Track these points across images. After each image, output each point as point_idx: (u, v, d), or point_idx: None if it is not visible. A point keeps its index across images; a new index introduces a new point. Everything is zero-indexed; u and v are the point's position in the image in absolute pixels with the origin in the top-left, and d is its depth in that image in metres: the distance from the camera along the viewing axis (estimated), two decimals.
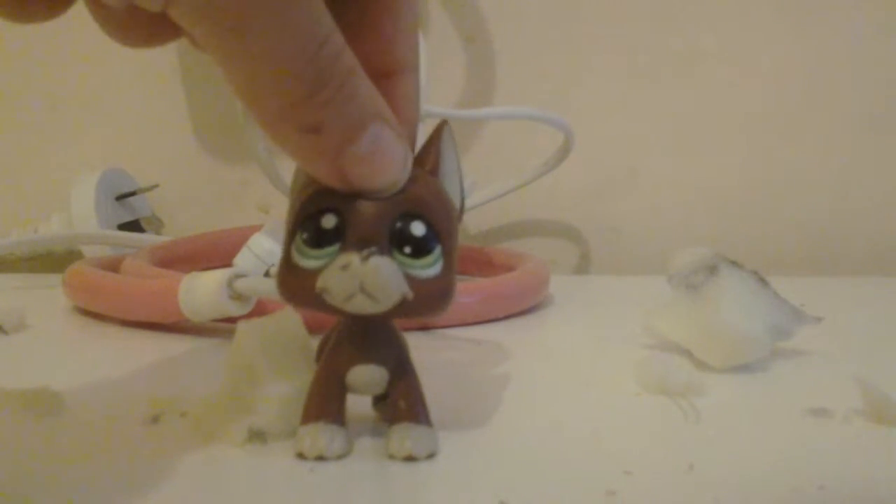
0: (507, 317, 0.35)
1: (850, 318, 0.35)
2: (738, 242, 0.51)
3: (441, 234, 0.18)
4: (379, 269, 0.17)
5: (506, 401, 0.23)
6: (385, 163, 0.17)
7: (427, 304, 0.18)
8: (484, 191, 0.45)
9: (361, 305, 0.17)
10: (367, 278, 0.17)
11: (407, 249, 0.18)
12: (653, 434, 0.21)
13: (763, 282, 0.27)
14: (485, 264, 0.44)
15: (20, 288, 0.44)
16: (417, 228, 0.18)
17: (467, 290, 0.35)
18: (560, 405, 0.23)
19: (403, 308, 0.18)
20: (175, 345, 0.30)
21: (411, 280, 0.18)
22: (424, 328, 0.32)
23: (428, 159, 0.19)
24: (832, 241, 0.52)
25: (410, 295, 0.17)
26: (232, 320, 0.29)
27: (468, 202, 0.43)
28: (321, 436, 0.18)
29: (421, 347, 0.30)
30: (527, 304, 0.37)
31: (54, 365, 0.28)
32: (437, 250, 0.18)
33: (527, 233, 0.54)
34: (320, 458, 0.18)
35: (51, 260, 0.49)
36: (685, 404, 0.22)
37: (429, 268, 0.18)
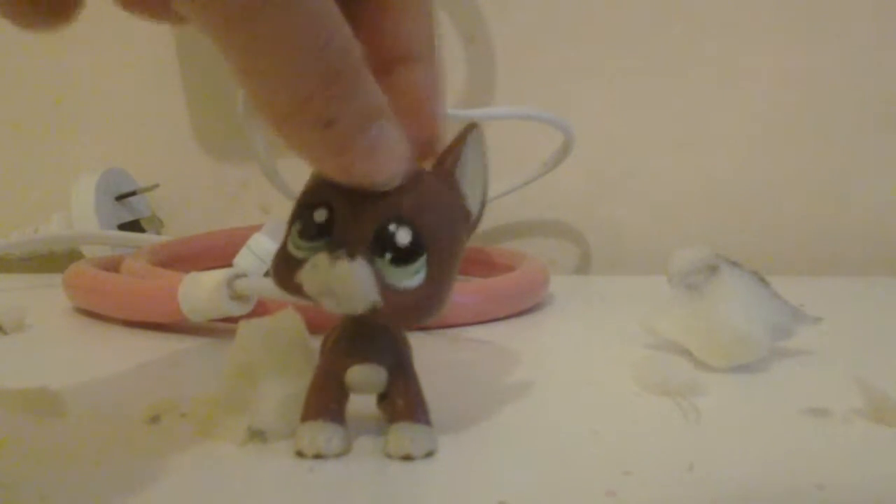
0: (507, 317, 0.35)
1: (850, 318, 0.35)
2: (738, 242, 0.51)
3: (431, 243, 0.18)
4: (344, 273, 0.17)
5: (506, 401, 0.23)
6: (388, 159, 0.17)
7: (399, 314, 0.18)
8: None
9: (330, 305, 0.17)
10: (332, 281, 0.17)
11: (388, 255, 0.17)
12: (653, 434, 0.21)
13: (763, 282, 0.27)
14: (485, 264, 0.44)
15: (20, 288, 0.44)
16: (403, 236, 0.17)
17: (467, 290, 0.35)
18: (560, 405, 0.23)
19: (376, 315, 0.17)
20: (175, 345, 0.30)
21: (387, 288, 0.17)
22: (424, 328, 0.32)
23: (446, 160, 0.19)
24: (832, 241, 0.52)
25: (380, 304, 0.17)
26: (232, 320, 0.29)
27: None
28: (319, 434, 0.18)
29: (421, 347, 0.30)
30: (527, 304, 0.37)
31: (54, 365, 0.28)
32: (422, 260, 0.18)
33: (527, 233, 0.54)
34: (318, 456, 0.18)
35: (51, 260, 0.49)
36: (685, 404, 0.22)
37: (409, 278, 0.18)
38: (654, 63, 0.52)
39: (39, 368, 0.28)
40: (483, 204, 0.20)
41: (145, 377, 0.26)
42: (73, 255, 0.47)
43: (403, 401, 0.19)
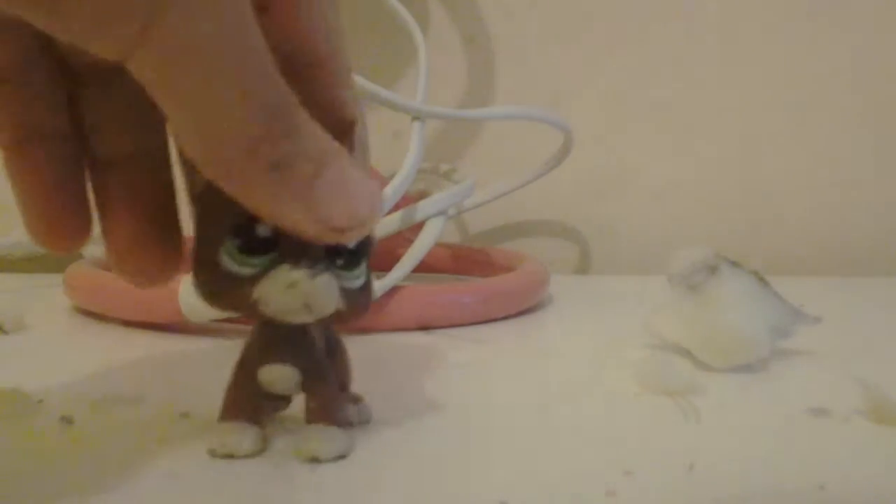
0: (507, 317, 0.35)
1: (850, 318, 0.35)
2: (738, 242, 0.51)
3: (367, 244, 0.18)
4: (326, 287, 0.17)
5: (506, 401, 0.23)
6: (357, 196, 0.16)
7: (355, 313, 0.18)
8: (484, 191, 0.45)
9: (299, 317, 0.17)
10: (313, 297, 0.17)
11: (340, 261, 0.18)
12: (653, 434, 0.21)
13: (763, 282, 0.27)
14: (485, 264, 0.44)
15: (20, 288, 0.44)
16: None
17: (467, 290, 0.35)
18: (560, 405, 0.23)
19: (338, 318, 0.18)
20: (175, 345, 0.30)
21: (343, 291, 0.18)
22: (424, 328, 0.32)
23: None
24: (832, 241, 0.52)
25: (343, 307, 0.18)
26: (232, 320, 0.29)
27: (469, 202, 0.43)
28: (231, 435, 0.18)
29: (421, 347, 0.30)
30: (527, 304, 0.37)
31: (54, 365, 0.28)
32: (365, 261, 0.18)
33: (527, 233, 0.54)
34: (229, 456, 0.18)
35: (51, 260, 0.49)
36: (685, 404, 0.22)
37: (358, 278, 0.18)
38: (653, 63, 0.52)
39: (39, 368, 0.28)
40: None
41: (145, 377, 0.26)
42: (73, 255, 0.47)
43: (316, 403, 0.19)
